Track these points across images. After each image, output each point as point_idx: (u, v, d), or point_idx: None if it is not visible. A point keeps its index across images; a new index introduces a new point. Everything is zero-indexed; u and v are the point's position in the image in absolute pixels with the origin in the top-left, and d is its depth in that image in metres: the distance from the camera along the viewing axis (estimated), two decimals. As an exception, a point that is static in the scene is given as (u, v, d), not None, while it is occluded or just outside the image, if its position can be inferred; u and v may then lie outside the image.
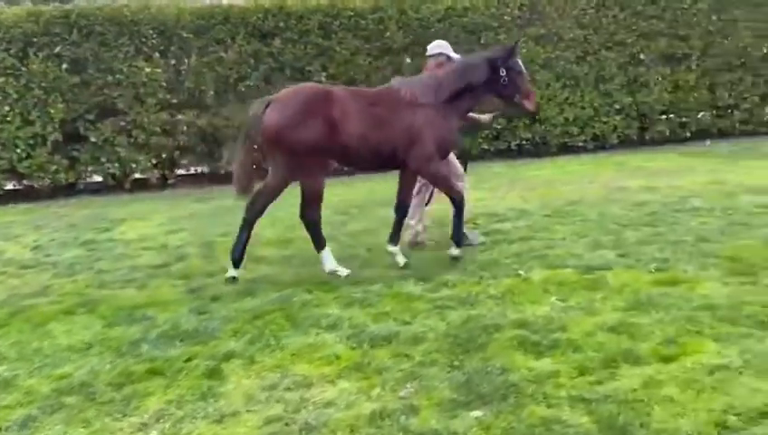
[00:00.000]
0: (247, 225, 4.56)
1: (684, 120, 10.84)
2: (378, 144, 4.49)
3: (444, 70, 4.87)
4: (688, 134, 10.92)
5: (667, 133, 10.85)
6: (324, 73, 9.61)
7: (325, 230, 4.71)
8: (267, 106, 4.35)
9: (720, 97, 10.88)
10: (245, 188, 4.57)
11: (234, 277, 4.53)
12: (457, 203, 4.70)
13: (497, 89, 4.70)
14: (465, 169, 5.31)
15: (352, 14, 9.60)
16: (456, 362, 3.15)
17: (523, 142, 10.46)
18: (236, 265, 4.56)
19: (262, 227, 5.15)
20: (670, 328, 3.40)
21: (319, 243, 4.59)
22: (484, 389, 2.86)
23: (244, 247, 4.56)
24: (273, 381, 3.05)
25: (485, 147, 10.14)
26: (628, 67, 10.47)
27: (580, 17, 10.20)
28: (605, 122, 10.51)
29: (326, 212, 4.80)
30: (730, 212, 5.74)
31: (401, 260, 4.70)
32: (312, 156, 4.34)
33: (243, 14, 9.41)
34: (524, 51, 10.01)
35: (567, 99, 10.32)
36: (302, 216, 4.59)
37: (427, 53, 5.33)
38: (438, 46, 5.26)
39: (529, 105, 4.77)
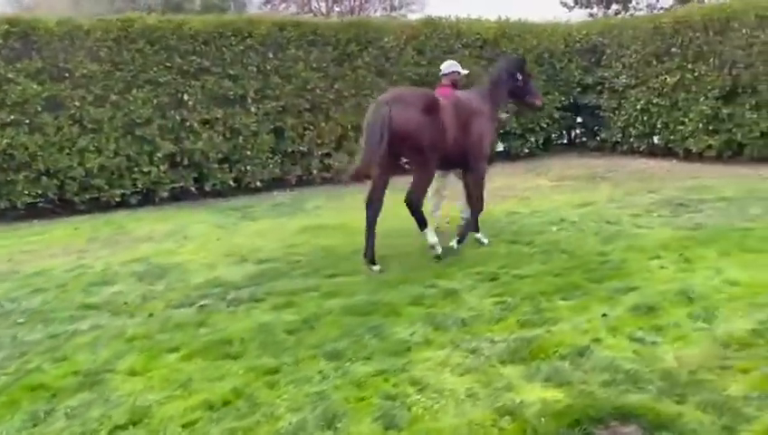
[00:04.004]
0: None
1: (248, 168, 10.01)
2: (464, 146, 5.47)
3: (484, 83, 6.14)
4: (258, 184, 10.12)
5: (232, 184, 9.93)
6: None
7: None
8: (390, 107, 4.99)
9: (289, 143, 10.29)
10: (357, 178, 5.20)
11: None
12: (479, 209, 6.01)
13: (515, 91, 6.13)
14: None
15: None
16: None
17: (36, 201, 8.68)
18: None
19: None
20: None
21: (421, 223, 5.36)
22: None
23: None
24: None
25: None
26: (169, 110, 9.32)
27: (95, 50, 8.79)
28: (147, 173, 9.21)
29: None
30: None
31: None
32: (431, 151, 5.14)
33: None
34: (20, 88, 8.36)
35: (88, 146, 8.79)
36: (408, 200, 5.26)
37: (442, 72, 6.53)
38: (453, 65, 6.49)
39: (537, 101, 6.37)
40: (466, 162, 5.75)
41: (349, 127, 10.81)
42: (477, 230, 6.01)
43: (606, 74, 12.77)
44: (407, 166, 5.54)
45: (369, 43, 10.92)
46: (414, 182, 5.35)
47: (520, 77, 6.11)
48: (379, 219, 5.41)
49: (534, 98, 6.33)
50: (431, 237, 5.42)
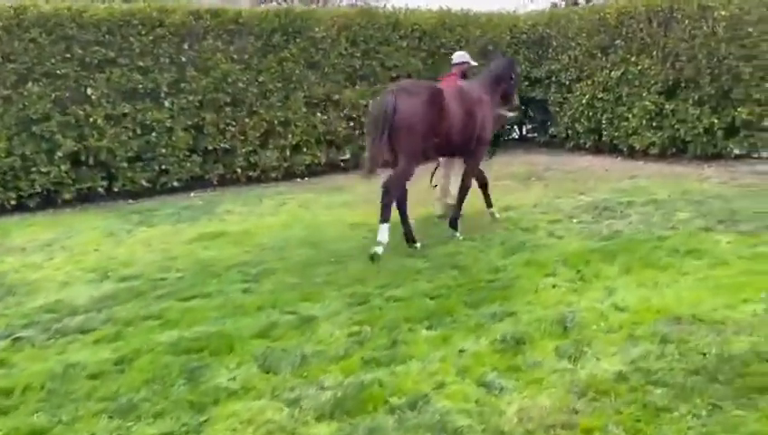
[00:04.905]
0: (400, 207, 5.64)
1: (164, 167, 9.37)
2: (471, 131, 5.88)
3: (485, 75, 6.56)
4: (175, 184, 9.49)
5: (145, 184, 9.29)
6: None
7: None
8: (395, 98, 5.34)
9: (209, 140, 9.66)
10: (372, 171, 5.41)
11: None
12: (465, 190, 6.29)
13: (507, 88, 6.58)
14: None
15: None
16: None
17: None
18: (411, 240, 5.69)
19: None
20: None
21: (384, 215, 5.42)
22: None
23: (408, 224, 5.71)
24: None
25: None
26: (71, 104, 8.64)
27: (-20, 41, 8.10)
28: (46, 173, 8.53)
29: None
30: None
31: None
32: (424, 140, 5.45)
33: None
34: None
35: (-23, 145, 8.12)
36: (385, 187, 5.44)
37: (453, 62, 7.02)
38: (462, 56, 7.04)
39: (516, 101, 7.08)
40: (469, 148, 6.08)
41: (276, 122, 10.20)
42: (458, 217, 6.21)
43: (553, 67, 12.32)
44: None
45: (297, 33, 10.30)
46: (396, 170, 5.50)
47: (513, 77, 6.67)
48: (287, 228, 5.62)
49: (515, 100, 6.95)
50: (382, 235, 5.37)
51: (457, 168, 6.79)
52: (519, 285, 4.53)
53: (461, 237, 5.95)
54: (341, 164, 11.07)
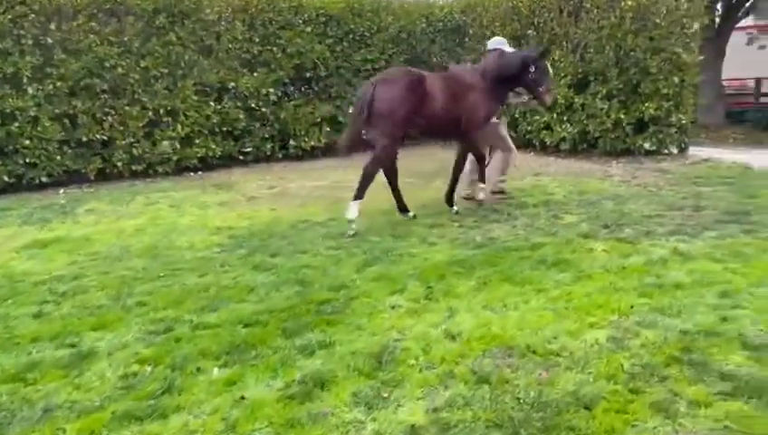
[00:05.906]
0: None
1: (29, 160, 8.46)
2: (456, 115, 6.03)
3: (487, 61, 6.47)
4: (44, 179, 8.59)
5: (6, 179, 8.37)
6: None
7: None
8: (375, 86, 5.68)
9: (84, 131, 8.78)
10: (349, 150, 6.05)
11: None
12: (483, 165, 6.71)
13: (526, 80, 6.36)
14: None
15: None
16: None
17: None
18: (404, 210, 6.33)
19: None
20: None
21: (359, 194, 5.77)
22: None
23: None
24: None
25: None
26: None
27: None
28: None
29: None
30: None
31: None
32: (403, 126, 5.75)
33: None
34: None
35: None
36: (365, 166, 5.78)
37: (488, 48, 6.85)
38: (497, 42, 6.83)
39: (547, 98, 6.44)
40: (458, 132, 6.27)
41: (161, 112, 9.40)
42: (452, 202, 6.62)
43: (470, 57, 11.85)
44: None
45: (185, 15, 9.48)
46: (375, 154, 5.80)
47: (533, 69, 6.27)
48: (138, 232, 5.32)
49: (546, 93, 6.39)
50: (351, 212, 5.73)
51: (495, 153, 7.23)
52: (355, 306, 3.96)
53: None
54: (241, 157, 10.36)
